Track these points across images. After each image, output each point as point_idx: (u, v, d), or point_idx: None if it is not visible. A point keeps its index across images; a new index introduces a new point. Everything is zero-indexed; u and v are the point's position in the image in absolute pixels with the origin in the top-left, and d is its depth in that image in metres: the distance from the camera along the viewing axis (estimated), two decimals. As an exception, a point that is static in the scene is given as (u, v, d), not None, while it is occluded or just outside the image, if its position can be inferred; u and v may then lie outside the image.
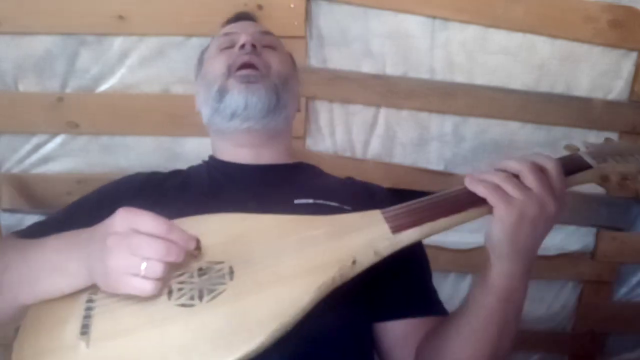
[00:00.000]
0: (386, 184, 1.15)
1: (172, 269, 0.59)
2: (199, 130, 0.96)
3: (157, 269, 0.56)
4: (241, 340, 0.55)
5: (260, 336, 0.55)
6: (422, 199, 0.67)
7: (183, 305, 0.59)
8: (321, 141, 1.27)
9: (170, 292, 0.59)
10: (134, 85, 1.20)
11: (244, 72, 0.85)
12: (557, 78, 1.22)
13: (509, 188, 0.61)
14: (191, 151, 1.21)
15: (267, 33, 0.96)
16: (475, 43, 1.19)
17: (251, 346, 0.55)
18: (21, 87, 1.20)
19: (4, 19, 1.14)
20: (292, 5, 1.15)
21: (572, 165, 0.69)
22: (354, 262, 0.63)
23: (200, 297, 0.59)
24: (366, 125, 1.25)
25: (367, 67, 1.21)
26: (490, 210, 0.63)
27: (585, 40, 1.18)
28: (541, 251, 1.33)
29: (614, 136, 1.22)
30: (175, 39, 1.17)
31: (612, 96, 1.23)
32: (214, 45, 0.94)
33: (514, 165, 0.64)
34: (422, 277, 0.83)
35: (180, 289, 0.60)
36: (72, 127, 1.21)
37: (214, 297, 0.59)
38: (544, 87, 1.23)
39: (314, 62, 1.21)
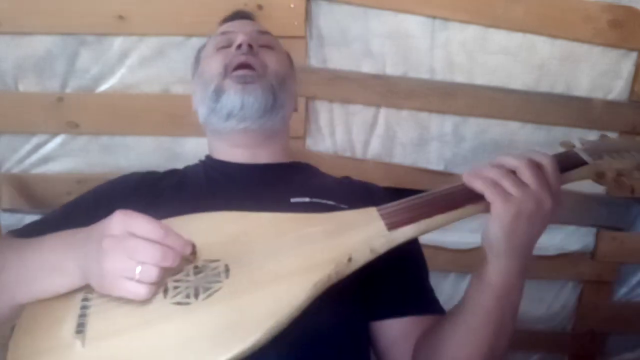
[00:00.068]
0: (386, 184, 1.15)
1: (167, 273, 0.59)
2: (199, 130, 0.96)
3: (152, 274, 0.56)
4: (237, 338, 0.55)
5: (256, 334, 0.55)
6: (418, 195, 0.67)
7: (179, 303, 0.59)
8: (321, 141, 1.27)
9: (166, 291, 0.59)
10: (134, 85, 1.20)
11: (240, 72, 0.85)
12: (557, 78, 1.22)
13: (507, 184, 0.61)
14: (191, 151, 1.21)
15: (264, 32, 0.96)
16: (475, 43, 1.19)
17: (247, 344, 0.55)
18: (21, 87, 1.20)
19: (4, 19, 1.14)
20: (292, 5, 1.15)
21: (567, 162, 0.70)
22: (349, 260, 0.63)
23: (196, 295, 0.59)
24: (366, 125, 1.25)
25: (367, 67, 1.21)
26: (486, 207, 0.63)
27: (585, 40, 1.18)
28: (541, 251, 1.35)
29: (614, 136, 1.22)
30: (175, 39, 1.17)
31: (612, 96, 1.23)
32: (211, 44, 0.94)
33: (510, 162, 0.63)
34: (418, 275, 0.83)
35: (176, 287, 0.60)
36: (72, 127, 1.21)
37: (209, 295, 0.59)
38: (544, 87, 1.23)
39: (314, 62, 1.21)
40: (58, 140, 1.23)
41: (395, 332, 0.77)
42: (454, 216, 0.65)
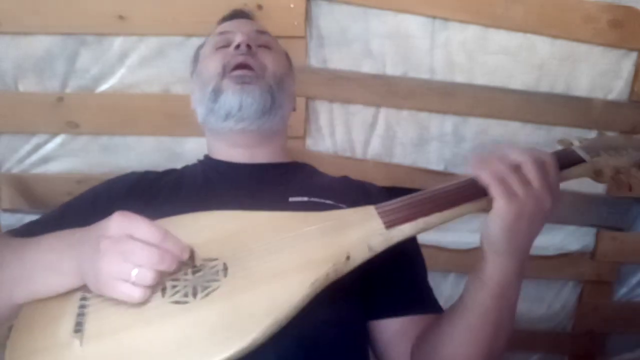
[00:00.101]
0: (386, 184, 1.15)
1: (164, 276, 0.59)
2: (199, 130, 0.96)
3: (148, 277, 0.56)
4: (235, 337, 0.55)
5: (254, 332, 0.56)
6: (415, 194, 0.67)
7: (177, 302, 0.59)
8: (321, 141, 1.27)
9: (164, 290, 0.59)
10: (134, 85, 1.21)
11: (239, 72, 0.86)
12: (557, 78, 1.22)
13: (513, 182, 0.61)
14: (191, 151, 1.21)
15: (262, 32, 0.96)
16: (475, 43, 1.19)
17: (245, 342, 0.55)
18: (21, 87, 1.20)
19: (4, 19, 1.14)
20: (292, 5, 1.15)
21: (565, 160, 0.70)
22: (347, 258, 0.63)
23: (194, 294, 0.59)
24: (366, 125, 1.25)
25: (367, 67, 1.21)
26: (483, 205, 0.63)
27: (585, 40, 1.18)
28: (541, 251, 1.35)
29: (613, 136, 1.22)
30: (175, 39, 1.17)
31: (612, 96, 1.23)
32: (209, 44, 0.94)
33: (517, 156, 0.63)
34: (417, 274, 0.83)
35: (174, 286, 0.60)
36: (72, 127, 1.21)
37: (207, 294, 0.59)
38: (544, 87, 1.23)
39: (314, 62, 1.21)
40: (58, 140, 1.23)
41: (393, 331, 0.77)
42: (451, 214, 0.65)
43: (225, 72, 0.86)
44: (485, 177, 0.62)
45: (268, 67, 0.88)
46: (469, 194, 0.64)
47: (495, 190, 0.61)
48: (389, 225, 0.64)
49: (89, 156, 1.24)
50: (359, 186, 0.91)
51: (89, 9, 1.14)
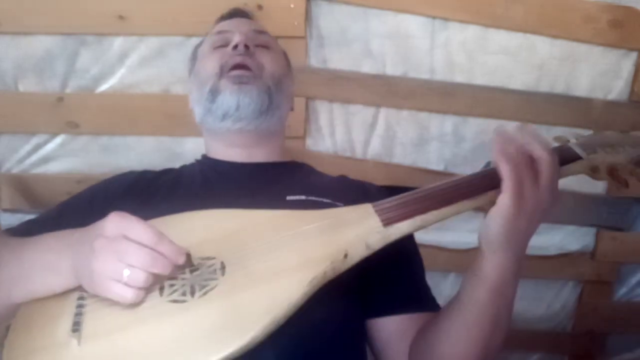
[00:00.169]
0: (386, 184, 1.15)
1: (159, 279, 0.59)
2: (199, 130, 0.96)
3: (140, 278, 0.56)
4: (233, 335, 0.55)
5: (252, 331, 0.56)
6: (413, 191, 0.67)
7: (175, 301, 0.59)
8: (321, 141, 1.27)
9: (162, 289, 0.59)
10: (134, 85, 1.21)
11: (236, 72, 0.86)
12: (557, 78, 1.22)
13: (527, 183, 0.61)
14: (191, 151, 1.21)
15: (261, 32, 0.95)
16: (475, 43, 1.19)
17: (243, 341, 0.55)
18: (21, 87, 1.20)
19: (4, 19, 1.14)
20: (292, 6, 1.15)
21: (562, 157, 0.69)
22: (345, 256, 0.63)
23: (192, 293, 0.59)
24: (366, 125, 1.25)
25: (367, 67, 1.21)
26: (480, 203, 0.64)
27: (585, 40, 1.18)
28: (541, 251, 1.35)
29: (613, 136, 1.22)
30: (175, 39, 1.17)
31: (612, 96, 1.23)
32: (207, 43, 0.94)
33: (537, 151, 0.62)
34: (415, 273, 0.83)
35: (171, 285, 0.60)
36: (72, 127, 1.21)
37: (205, 293, 0.59)
38: (544, 87, 1.23)
39: (314, 62, 1.21)
40: (58, 140, 1.23)
41: (391, 329, 0.77)
42: (448, 212, 0.65)
43: (222, 72, 0.86)
44: (506, 171, 0.60)
45: (266, 67, 0.88)
46: (466, 191, 0.65)
47: (508, 186, 0.60)
48: (387, 223, 0.64)
49: (89, 156, 1.25)
50: (357, 185, 0.91)
51: (89, 9, 1.14)
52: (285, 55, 0.99)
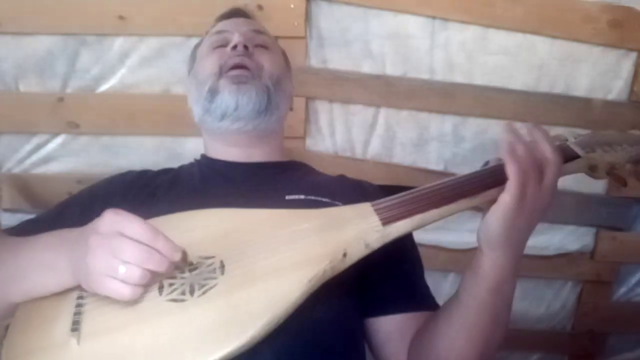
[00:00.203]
0: (386, 183, 1.15)
1: (157, 277, 0.59)
2: (199, 130, 0.96)
3: (135, 275, 0.56)
4: (232, 334, 0.56)
5: (251, 330, 0.56)
6: (412, 190, 0.67)
7: (174, 300, 0.59)
8: (321, 141, 1.27)
9: (161, 288, 0.60)
10: (135, 86, 1.21)
11: (235, 72, 0.86)
12: (556, 78, 1.22)
13: (532, 184, 0.61)
14: (191, 151, 1.21)
15: (260, 32, 0.95)
16: (475, 43, 1.19)
17: (242, 340, 0.55)
18: (22, 87, 1.20)
19: (4, 19, 1.14)
20: (292, 6, 1.15)
21: None
22: (344, 255, 0.63)
23: (191, 292, 0.59)
24: (366, 125, 1.26)
25: (367, 67, 1.22)
26: (479, 202, 0.64)
27: (584, 40, 1.18)
28: (541, 251, 1.35)
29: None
30: (176, 39, 1.18)
31: (611, 96, 1.23)
32: (206, 43, 0.94)
33: (548, 153, 0.62)
34: (413, 272, 0.83)
35: (171, 284, 0.60)
36: (73, 127, 1.22)
37: (205, 292, 0.59)
38: (543, 87, 1.23)
39: (314, 62, 1.21)
40: (58, 140, 1.24)
41: (390, 328, 0.77)
42: (447, 211, 0.66)
43: (221, 72, 0.87)
44: (513, 172, 0.61)
45: (265, 67, 0.88)
46: (465, 190, 0.65)
47: (513, 185, 0.61)
48: (386, 222, 0.65)
49: (90, 156, 1.25)
50: (356, 184, 0.91)
51: (89, 9, 1.14)
52: (284, 55, 0.99)
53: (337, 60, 1.21)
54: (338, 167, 1.15)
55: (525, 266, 1.21)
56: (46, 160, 1.25)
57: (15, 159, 1.24)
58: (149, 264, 0.56)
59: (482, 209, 0.66)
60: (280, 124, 0.94)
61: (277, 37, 1.02)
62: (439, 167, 1.28)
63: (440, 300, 0.82)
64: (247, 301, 0.58)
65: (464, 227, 1.25)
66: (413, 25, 1.18)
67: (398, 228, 0.65)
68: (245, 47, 0.88)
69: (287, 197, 0.80)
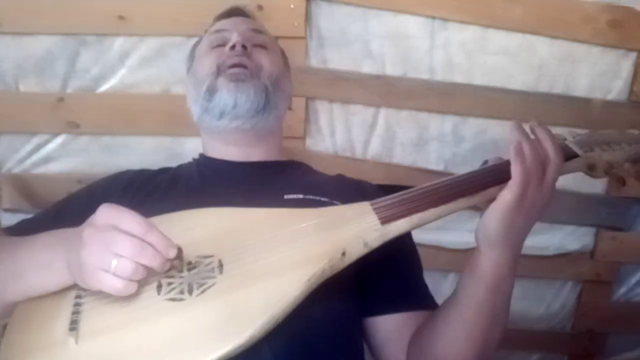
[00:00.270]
0: (386, 183, 1.15)
1: (153, 274, 0.58)
2: (199, 130, 0.96)
3: (128, 268, 0.55)
4: (231, 333, 0.56)
5: (250, 329, 0.56)
6: (411, 189, 0.67)
7: (172, 299, 0.59)
8: (321, 141, 1.27)
9: (159, 287, 0.60)
10: (135, 86, 1.21)
11: (233, 70, 0.86)
12: (556, 78, 1.22)
13: (534, 183, 0.61)
14: (191, 151, 1.20)
15: (259, 31, 0.95)
16: (474, 43, 1.19)
17: (241, 339, 0.55)
18: (22, 87, 1.20)
19: (4, 19, 1.14)
20: (292, 6, 1.15)
21: None
22: (343, 254, 0.63)
23: (190, 291, 0.59)
24: (366, 125, 1.26)
25: (367, 68, 1.22)
26: (477, 201, 0.64)
27: (584, 40, 1.18)
28: (541, 251, 1.35)
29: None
30: (176, 39, 1.18)
31: (611, 96, 1.23)
32: (205, 42, 0.94)
33: (552, 154, 0.63)
34: (412, 271, 0.83)
35: (169, 284, 0.60)
36: (73, 127, 1.22)
37: (203, 291, 0.59)
38: (543, 87, 1.23)
39: (314, 62, 1.21)
40: (59, 140, 1.24)
41: (389, 327, 0.77)
42: (446, 210, 0.66)
43: (219, 71, 0.87)
44: (517, 171, 0.61)
45: (264, 66, 0.88)
46: (464, 189, 0.65)
47: (515, 185, 0.61)
48: (385, 221, 0.65)
49: (90, 156, 1.25)
50: (354, 184, 0.92)
51: (89, 9, 1.15)
52: (283, 54, 0.99)
53: (337, 60, 1.21)
54: (338, 167, 1.15)
55: (525, 266, 1.21)
56: (46, 160, 1.25)
57: (15, 159, 1.24)
58: (141, 258, 0.56)
59: (481, 209, 0.66)
60: (279, 124, 0.94)
61: (277, 37, 1.02)
62: (439, 167, 1.28)
63: (440, 300, 0.82)
64: (246, 300, 0.58)
65: (464, 227, 1.25)
66: (413, 25, 1.18)
67: (397, 227, 0.65)
68: (244, 46, 0.88)
69: (285, 197, 0.80)
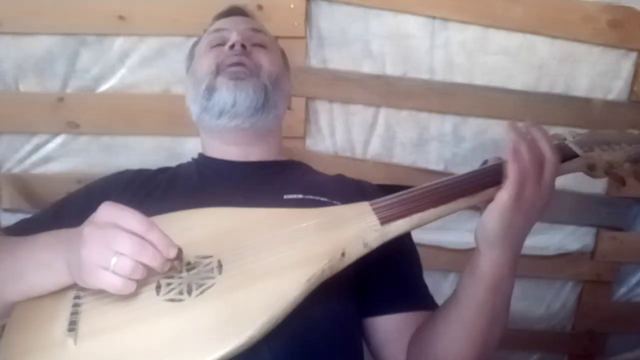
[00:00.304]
0: (386, 183, 1.15)
1: (152, 274, 0.58)
2: (198, 129, 0.96)
3: (127, 266, 0.55)
4: (231, 334, 0.56)
5: (249, 330, 0.56)
6: (410, 189, 0.67)
7: (172, 300, 0.59)
8: (321, 141, 1.27)
9: (158, 287, 0.59)
10: (135, 86, 1.21)
11: (233, 68, 0.85)
12: (556, 78, 1.22)
13: (530, 183, 0.61)
14: (191, 151, 1.20)
15: (258, 30, 0.95)
16: (475, 43, 1.19)
17: (241, 340, 0.55)
18: (22, 87, 1.20)
19: (4, 19, 1.14)
20: (292, 6, 1.15)
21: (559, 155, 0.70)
22: (343, 254, 0.63)
23: (189, 292, 0.59)
24: (366, 125, 1.26)
25: (367, 67, 1.22)
26: (477, 201, 0.64)
27: (584, 40, 1.18)
28: (541, 251, 1.35)
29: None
30: (176, 39, 1.18)
31: (611, 96, 1.23)
32: (204, 42, 0.94)
33: (547, 153, 0.63)
34: (412, 271, 0.83)
35: (168, 284, 0.60)
36: (73, 127, 1.22)
37: (202, 292, 0.59)
38: (543, 87, 1.23)
39: (314, 62, 1.21)
40: (58, 140, 1.24)
41: (389, 328, 0.77)
42: (446, 210, 0.66)
43: (219, 70, 0.86)
44: (513, 171, 0.61)
45: (263, 66, 0.88)
46: (464, 189, 0.65)
47: (511, 184, 0.61)
48: (384, 221, 0.65)
49: (90, 156, 1.25)
50: (354, 184, 0.91)
51: (89, 9, 1.15)
52: (282, 53, 0.99)
53: (337, 60, 1.21)
54: (338, 167, 1.15)
55: (525, 266, 1.21)
56: (46, 160, 1.25)
57: (15, 159, 1.24)
58: (141, 257, 0.56)
59: (481, 209, 0.66)
60: (278, 123, 0.93)
61: (277, 37, 1.02)
62: (439, 167, 1.28)
63: (440, 301, 0.82)
64: (245, 300, 0.58)
65: (464, 227, 1.25)
66: (413, 25, 1.18)
67: (397, 227, 0.65)
68: (243, 46, 0.88)
69: (285, 197, 0.80)
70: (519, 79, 1.22)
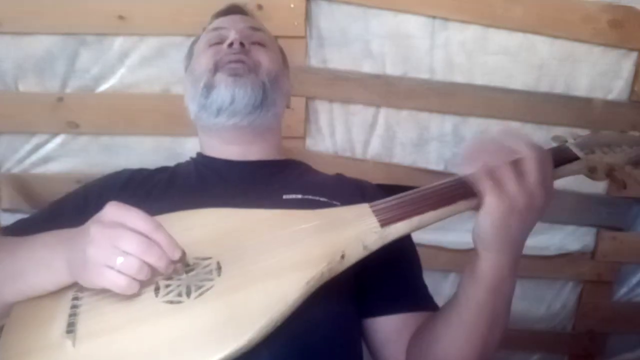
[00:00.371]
0: (386, 183, 1.15)
1: (155, 276, 0.58)
2: (197, 128, 0.96)
3: (133, 265, 0.55)
4: (230, 336, 0.55)
5: (249, 332, 0.55)
6: (410, 191, 0.67)
7: (170, 302, 0.58)
8: (321, 141, 1.27)
9: (157, 289, 0.59)
10: (134, 85, 1.21)
11: (232, 65, 0.85)
12: (557, 78, 1.22)
13: (505, 178, 0.60)
14: (191, 151, 1.19)
15: (257, 29, 0.95)
16: (475, 43, 1.19)
17: (240, 342, 0.55)
18: (21, 87, 1.20)
19: (4, 19, 1.14)
20: (292, 6, 1.15)
21: (560, 157, 0.69)
22: (342, 257, 0.63)
23: (188, 294, 0.59)
24: (366, 125, 1.25)
25: (367, 67, 1.22)
26: (478, 204, 0.63)
27: (585, 40, 1.18)
28: (541, 251, 1.35)
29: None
30: (175, 39, 1.17)
31: (612, 96, 1.23)
32: (203, 40, 0.93)
33: (519, 148, 0.61)
34: (412, 272, 0.83)
35: (167, 286, 0.60)
36: (72, 127, 1.21)
37: (201, 294, 0.59)
38: (543, 87, 1.22)
39: (314, 62, 1.21)
40: (58, 140, 1.24)
41: (389, 329, 0.77)
42: (446, 212, 0.66)
43: (217, 68, 0.86)
44: (476, 174, 0.60)
45: (262, 64, 0.88)
46: (463, 191, 0.64)
47: (483, 186, 0.60)
48: (384, 223, 0.64)
49: (89, 156, 1.25)
50: (354, 183, 0.91)
51: (89, 9, 1.15)
52: (282, 52, 0.99)
53: (337, 60, 1.21)
54: (338, 167, 1.14)
55: (525, 266, 1.21)
56: (46, 160, 1.25)
57: (15, 159, 1.24)
58: (148, 257, 0.56)
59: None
60: (277, 121, 0.93)
61: (276, 37, 1.01)
62: (439, 167, 1.28)
63: (440, 301, 0.82)
64: (244, 303, 0.58)
65: (464, 227, 1.24)
66: (413, 25, 1.18)
67: (397, 229, 0.64)
68: (242, 44, 0.87)
69: (284, 197, 0.80)
70: (519, 79, 1.22)
